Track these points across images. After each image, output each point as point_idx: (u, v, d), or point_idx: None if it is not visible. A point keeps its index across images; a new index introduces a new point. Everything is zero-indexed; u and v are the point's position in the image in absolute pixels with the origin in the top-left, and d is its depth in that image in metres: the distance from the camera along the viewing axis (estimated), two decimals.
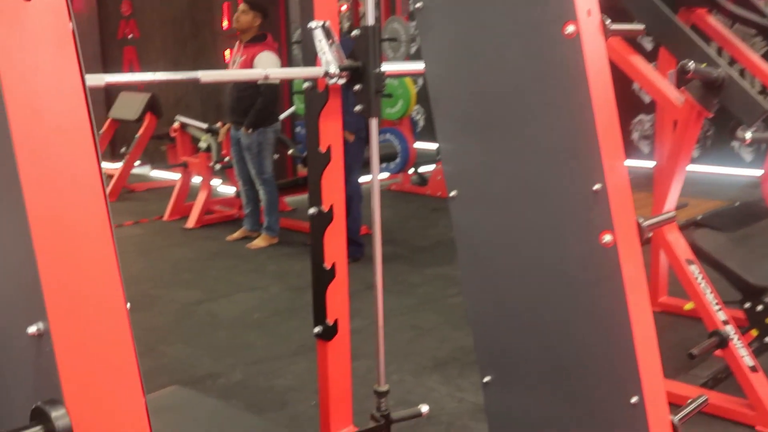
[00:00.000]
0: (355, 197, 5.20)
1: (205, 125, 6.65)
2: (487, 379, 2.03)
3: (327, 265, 2.39)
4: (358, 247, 5.29)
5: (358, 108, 2.33)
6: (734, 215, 6.35)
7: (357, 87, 2.32)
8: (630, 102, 8.32)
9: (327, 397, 2.44)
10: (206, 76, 2.00)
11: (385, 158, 7.29)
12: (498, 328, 2.02)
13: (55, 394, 1.10)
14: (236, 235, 6.09)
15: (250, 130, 5.59)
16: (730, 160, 8.00)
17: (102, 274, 1.16)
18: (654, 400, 1.74)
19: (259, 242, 5.77)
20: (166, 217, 6.91)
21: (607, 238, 1.74)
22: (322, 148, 2.37)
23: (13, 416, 1.24)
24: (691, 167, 8.14)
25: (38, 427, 1.08)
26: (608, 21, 1.78)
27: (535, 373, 1.95)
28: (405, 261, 5.31)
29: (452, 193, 2.05)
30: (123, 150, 8.15)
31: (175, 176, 7.34)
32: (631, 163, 8.64)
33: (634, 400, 1.72)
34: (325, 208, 2.38)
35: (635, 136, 8.50)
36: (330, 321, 2.41)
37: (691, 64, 2.57)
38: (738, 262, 3.24)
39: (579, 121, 1.76)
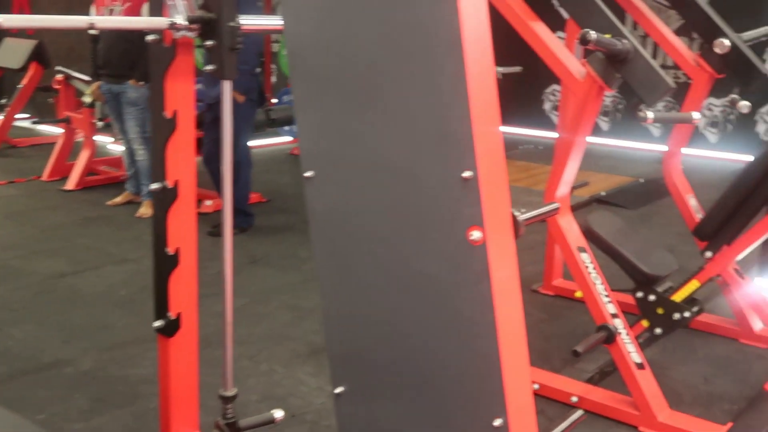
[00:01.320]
0: (243, 163, 4.86)
1: (89, 78, 6.15)
2: (339, 390, 1.76)
3: (170, 250, 2.07)
4: (246, 217, 4.96)
5: (209, 68, 2.01)
6: (639, 192, 6.34)
7: (209, 43, 1.99)
8: (544, 70, 8.16)
9: (168, 399, 2.14)
10: (8, 21, 1.65)
11: (285, 121, 6.94)
12: (354, 332, 1.75)
13: None
14: (118, 199, 5.67)
15: (141, 83, 5.15)
16: (641, 134, 7.95)
17: None
18: (520, 424, 1.51)
19: (146, 210, 5.31)
20: (44, 176, 6.40)
21: (476, 234, 1.48)
22: (168, 113, 2.04)
23: None
24: (601, 141, 8.23)
25: None
26: None
27: (393, 386, 1.69)
28: (296, 232, 5.01)
29: (307, 174, 1.76)
30: (3, 101, 7.55)
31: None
32: (541, 134, 8.53)
33: (497, 423, 1.49)
34: (169, 183, 2.05)
35: (547, 106, 8.36)
36: (173, 314, 2.10)
37: (593, 34, 2.33)
38: (633, 249, 3.08)
39: (449, 94, 1.49)
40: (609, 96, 8.08)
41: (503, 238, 1.53)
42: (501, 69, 6.33)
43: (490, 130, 1.51)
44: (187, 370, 2.16)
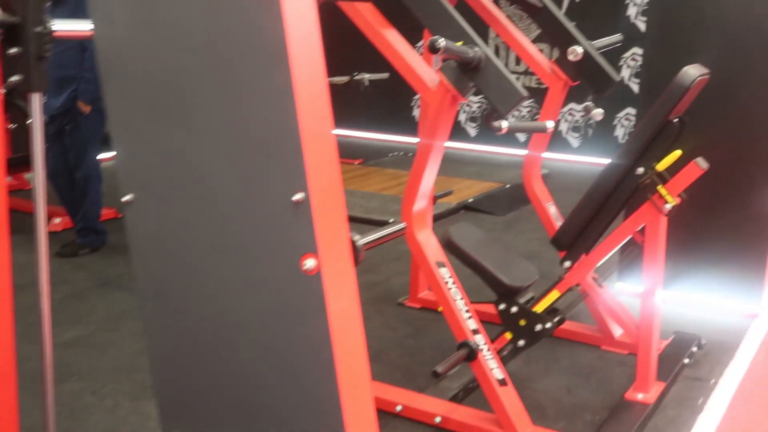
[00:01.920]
0: (92, 178, 4.55)
1: None
2: None
3: None
4: (96, 236, 4.63)
5: (14, 78, 1.78)
6: (505, 198, 6.40)
7: (13, 50, 1.77)
8: None
9: None
10: None
11: None
12: (183, 371, 1.57)
13: None
14: None
15: None
16: (507, 140, 8.04)
17: None
18: None
19: None
20: None
21: (310, 263, 1.34)
22: None
23: None
24: (468, 146, 8.28)
25: None
26: None
27: (228, 428, 1.53)
28: None
29: (126, 198, 1.57)
30: None
31: None
32: (411, 140, 8.46)
33: None
34: None
35: (416, 113, 8.35)
36: None
37: (442, 41, 2.24)
38: (494, 260, 3.02)
39: (275, 108, 1.35)
40: (476, 101, 8.17)
41: (341, 265, 1.40)
42: (368, 75, 6.30)
43: (323, 146, 1.38)
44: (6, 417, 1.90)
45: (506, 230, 5.38)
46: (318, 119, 1.37)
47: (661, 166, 2.73)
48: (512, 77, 2.42)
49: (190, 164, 1.48)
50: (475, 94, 2.57)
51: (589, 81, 3.27)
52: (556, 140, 7.80)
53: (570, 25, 3.27)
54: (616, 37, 3.50)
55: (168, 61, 1.48)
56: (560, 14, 3.29)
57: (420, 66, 2.60)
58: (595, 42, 3.38)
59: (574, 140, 7.82)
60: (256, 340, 1.45)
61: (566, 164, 7.56)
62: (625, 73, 7.35)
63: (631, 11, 7.31)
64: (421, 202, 2.72)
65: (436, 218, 5.49)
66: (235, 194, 1.42)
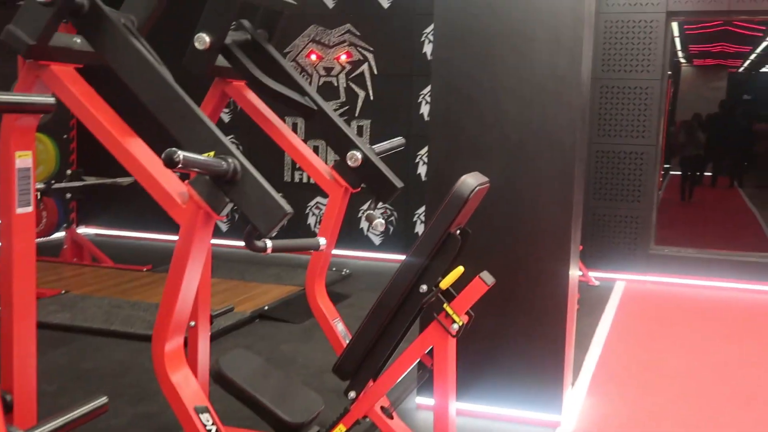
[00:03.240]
0: None
1: None
2: None
3: None
4: None
5: None
6: (303, 303, 6.03)
7: None
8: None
9: None
10: None
11: None
12: None
13: None
14: None
15: None
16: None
17: None
18: None
19: None
20: None
21: None
22: None
23: None
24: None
25: None
26: None
27: None
28: None
29: None
30: None
31: None
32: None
33: None
34: None
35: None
36: None
37: (180, 154, 1.91)
38: (273, 392, 2.67)
39: None
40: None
41: None
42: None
43: None
44: None
45: (304, 340, 5.03)
46: None
47: (445, 283, 2.51)
48: (273, 191, 2.12)
49: None
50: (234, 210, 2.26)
51: (371, 188, 3.06)
52: (358, 238, 7.65)
53: (347, 129, 3.07)
54: (398, 141, 3.34)
55: None
56: (336, 117, 3.08)
57: (168, 180, 2.24)
58: (376, 146, 3.20)
59: (376, 238, 7.69)
60: None
61: (368, 263, 7.41)
62: (422, 170, 7.37)
63: (425, 109, 7.40)
64: (176, 338, 2.31)
65: (228, 330, 5.07)
66: None
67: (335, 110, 7.53)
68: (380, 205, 3.15)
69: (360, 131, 7.55)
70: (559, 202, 3.57)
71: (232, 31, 2.93)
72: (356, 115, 7.59)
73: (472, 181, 2.50)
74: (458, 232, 2.58)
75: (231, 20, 2.73)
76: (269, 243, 2.26)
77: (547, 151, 3.56)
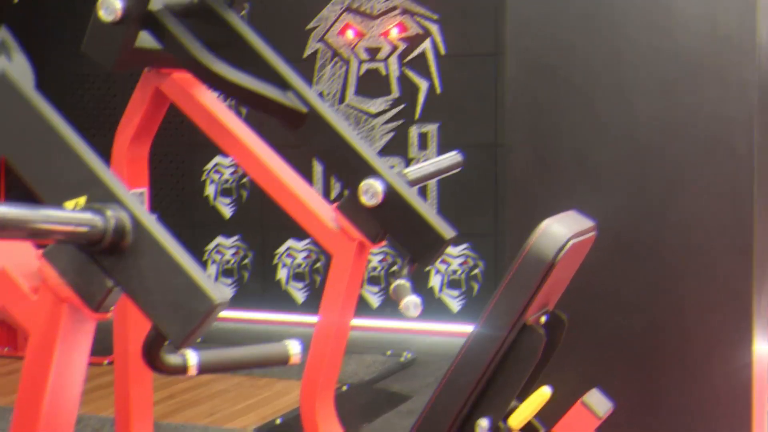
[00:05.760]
0: None
1: None
2: None
3: None
4: None
5: None
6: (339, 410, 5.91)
7: None
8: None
9: None
10: None
11: None
12: None
13: None
14: None
15: None
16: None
17: None
18: None
19: None
20: None
21: None
22: None
23: None
24: None
25: None
26: None
27: None
28: None
29: None
30: None
31: None
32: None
33: None
34: None
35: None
36: None
37: None
38: None
39: None
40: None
41: None
42: None
43: None
44: None
45: None
46: None
47: (518, 419, 2.20)
48: (194, 266, 1.80)
49: None
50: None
51: (400, 240, 2.81)
52: (426, 302, 7.29)
53: (362, 144, 2.86)
54: (450, 158, 3.14)
55: None
56: (343, 123, 2.87)
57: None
58: (410, 169, 2.97)
59: (452, 301, 7.41)
60: None
61: (442, 339, 7.21)
62: None
63: None
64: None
65: None
66: None
67: (384, 111, 7.48)
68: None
69: (424, 141, 7.46)
70: (728, 246, 3.44)
71: None
72: (416, 117, 7.48)
73: (561, 230, 2.24)
74: (543, 320, 2.29)
75: None
76: (192, 358, 1.85)
77: (704, 162, 3.44)
